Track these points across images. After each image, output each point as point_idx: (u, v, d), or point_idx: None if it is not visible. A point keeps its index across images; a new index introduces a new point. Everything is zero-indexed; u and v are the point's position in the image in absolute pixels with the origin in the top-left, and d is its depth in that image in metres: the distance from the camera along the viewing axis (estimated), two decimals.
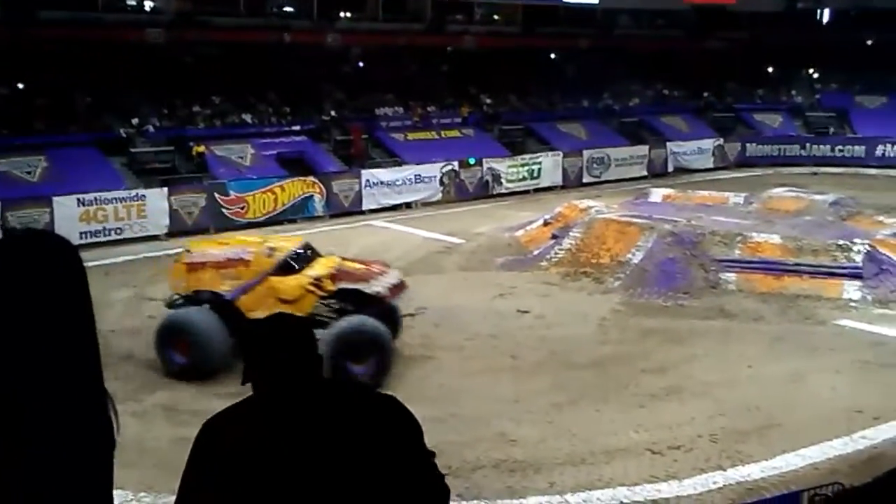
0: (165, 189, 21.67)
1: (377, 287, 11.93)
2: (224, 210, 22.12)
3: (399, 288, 12.36)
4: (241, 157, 24.58)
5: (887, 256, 16.04)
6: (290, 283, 11.77)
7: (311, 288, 11.76)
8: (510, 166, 27.84)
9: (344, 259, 12.75)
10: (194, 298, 11.98)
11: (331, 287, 11.84)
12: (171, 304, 12.31)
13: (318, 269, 12.08)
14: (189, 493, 2.54)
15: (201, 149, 23.86)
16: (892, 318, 14.45)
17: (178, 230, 21.19)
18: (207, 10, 27.45)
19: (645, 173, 30.92)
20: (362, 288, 11.84)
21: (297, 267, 12.02)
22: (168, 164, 23.73)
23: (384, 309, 11.94)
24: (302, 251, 12.45)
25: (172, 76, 25.99)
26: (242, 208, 22.38)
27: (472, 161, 26.90)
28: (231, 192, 22.37)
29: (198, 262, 12.10)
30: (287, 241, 13.44)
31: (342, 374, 10.71)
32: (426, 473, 2.70)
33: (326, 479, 2.47)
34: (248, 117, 26.65)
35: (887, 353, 12.65)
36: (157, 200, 21.29)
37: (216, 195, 22.13)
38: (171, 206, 21.40)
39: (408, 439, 2.65)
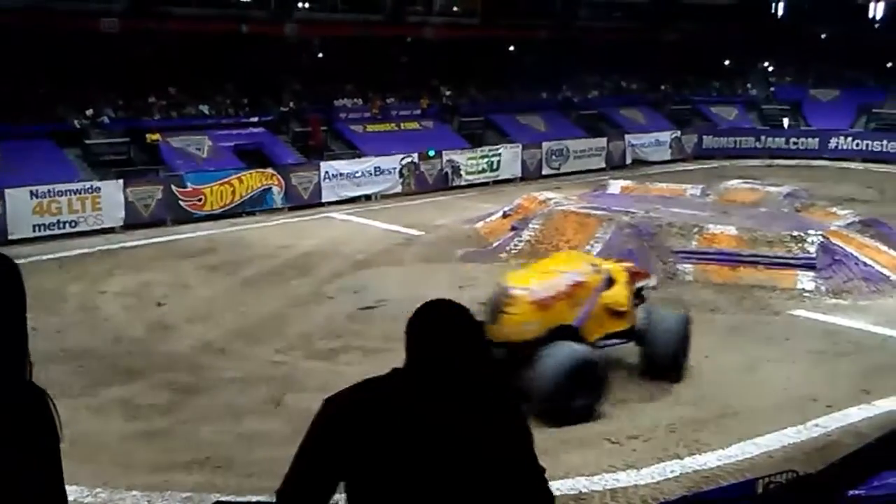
0: (121, 181, 21.37)
1: (651, 280, 12.13)
2: (181, 202, 21.88)
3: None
4: (199, 149, 24.33)
5: (840, 247, 16.33)
6: (620, 295, 10.90)
7: (633, 296, 11.23)
8: (470, 158, 27.87)
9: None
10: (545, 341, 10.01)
11: (633, 289, 11.34)
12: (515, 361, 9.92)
13: (622, 275, 11.24)
14: (309, 462, 2.68)
15: (156, 137, 23.57)
16: (845, 307, 14.71)
17: (134, 223, 20.95)
18: (163, 0, 27.08)
19: (603, 165, 31.12)
20: (645, 284, 11.77)
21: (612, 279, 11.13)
22: (124, 156, 23.41)
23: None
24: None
25: (128, 67, 25.60)
26: (200, 200, 22.16)
27: (431, 153, 26.88)
28: (188, 185, 22.14)
29: (548, 297, 10.34)
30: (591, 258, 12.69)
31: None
32: (539, 478, 2.88)
33: (450, 463, 2.57)
34: (205, 108, 26.37)
35: (840, 343, 12.88)
36: (112, 193, 20.99)
37: (173, 187, 21.88)
38: (126, 199, 21.11)
39: (527, 443, 2.80)
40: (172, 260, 18.00)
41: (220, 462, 8.85)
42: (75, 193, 20.48)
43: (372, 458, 2.57)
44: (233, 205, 22.66)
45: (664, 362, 11.08)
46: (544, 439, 9.49)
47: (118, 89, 25.31)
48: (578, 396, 9.77)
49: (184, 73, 26.74)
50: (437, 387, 2.65)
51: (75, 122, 23.53)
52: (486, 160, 28.24)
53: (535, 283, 10.65)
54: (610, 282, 11.14)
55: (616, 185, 23.12)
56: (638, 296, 11.52)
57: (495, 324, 10.03)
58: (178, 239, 20.09)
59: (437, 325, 2.77)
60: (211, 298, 15.18)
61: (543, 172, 29.46)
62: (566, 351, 9.76)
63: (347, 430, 2.63)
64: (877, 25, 39.13)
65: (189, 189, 22.09)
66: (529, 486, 2.79)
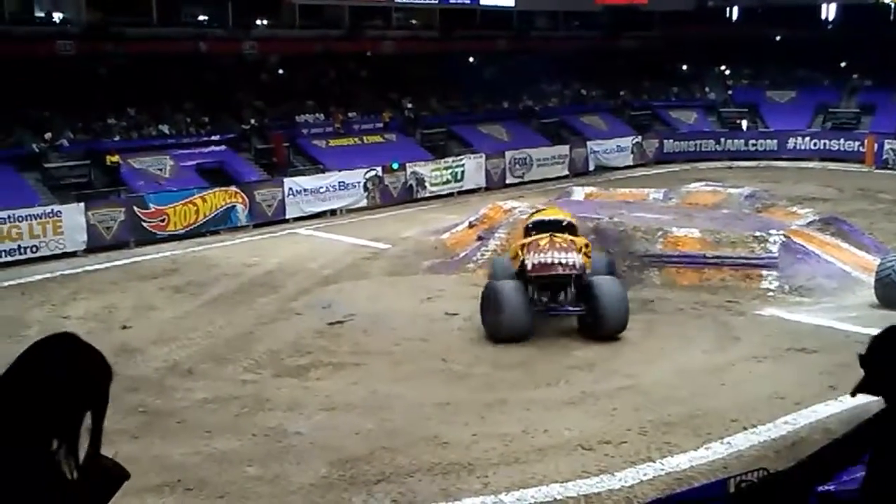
0: (82, 204, 21.10)
1: None
2: (144, 223, 21.67)
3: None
4: (160, 170, 24.11)
5: (801, 246, 16.54)
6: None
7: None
8: (433, 170, 27.90)
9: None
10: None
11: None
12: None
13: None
14: None
15: (116, 158, 23.33)
16: (809, 305, 14.89)
17: (96, 246, 20.70)
18: (119, 21, 26.85)
19: (566, 172, 31.28)
20: None
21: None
22: (84, 179, 23.12)
23: None
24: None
25: (86, 89, 25.36)
26: (163, 221, 21.97)
27: (395, 166, 26.87)
28: (151, 205, 21.93)
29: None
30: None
31: None
32: None
33: None
34: (165, 128, 26.16)
35: (805, 340, 13.02)
36: (73, 216, 20.72)
37: (135, 209, 21.66)
38: (88, 222, 20.85)
39: None
40: (136, 282, 17.82)
41: (191, 484, 8.76)
42: (36, 218, 20.18)
43: None
44: (196, 224, 22.48)
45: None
46: (517, 448, 9.53)
47: (76, 112, 25.04)
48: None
49: (143, 93, 26.51)
50: None
51: (34, 145, 23.22)
52: (449, 171, 28.28)
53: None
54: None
55: (580, 192, 23.24)
56: None
57: None
58: (141, 260, 19.89)
59: None
60: (177, 319, 15.04)
61: (507, 181, 29.56)
62: None
63: None
64: (829, 26, 39.79)
65: (152, 210, 21.89)
66: None
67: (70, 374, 2.25)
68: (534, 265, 13.07)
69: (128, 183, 23.23)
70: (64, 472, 2.23)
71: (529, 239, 13.70)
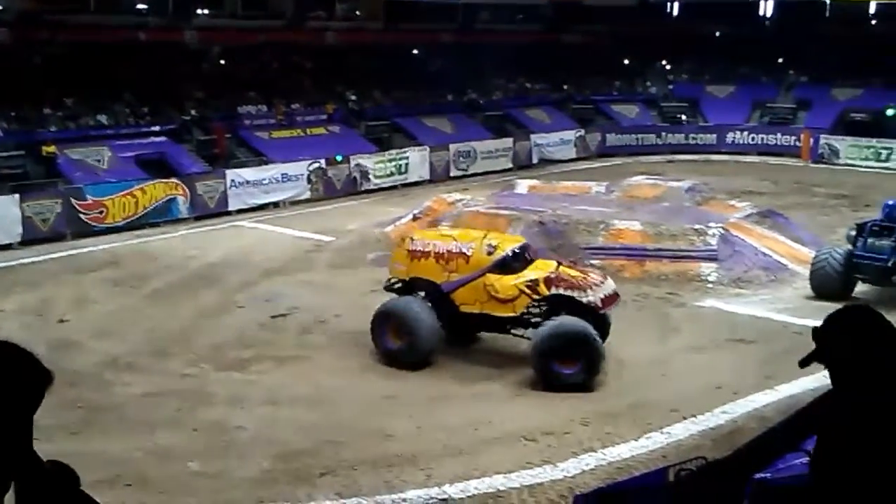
0: (17, 196, 20.59)
1: (591, 297, 11.65)
2: (81, 215, 21.24)
3: (613, 299, 12.00)
4: (98, 161, 23.61)
5: (740, 238, 16.87)
6: (506, 283, 11.79)
7: (526, 290, 11.74)
8: (377, 162, 27.80)
9: (560, 264, 12.50)
10: (411, 285, 12.61)
11: (545, 291, 11.72)
12: (389, 287, 12.94)
13: (536, 272, 11.97)
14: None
15: (51, 149, 22.79)
16: (747, 297, 15.20)
17: (32, 238, 20.21)
18: (55, 9, 26.23)
19: (510, 165, 31.40)
20: (576, 296, 11.62)
21: (515, 267, 12.00)
22: (19, 170, 22.53)
23: (596, 318, 11.63)
24: (520, 251, 12.33)
25: (20, 78, 24.73)
26: (101, 213, 21.56)
27: (339, 158, 26.72)
28: (88, 197, 21.50)
29: (420, 251, 12.49)
30: (507, 239, 13.06)
31: (549, 374, 11.07)
32: None
33: None
34: (103, 119, 25.64)
35: (743, 331, 13.30)
36: (8, 208, 20.21)
37: (73, 200, 21.22)
38: (23, 214, 20.35)
39: None
40: (74, 275, 17.47)
41: (131, 480, 8.65)
42: None
43: None
44: (136, 216, 22.09)
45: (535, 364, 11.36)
46: (460, 440, 9.57)
47: (11, 102, 24.39)
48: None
49: (80, 83, 25.93)
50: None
51: None
52: (393, 164, 28.22)
53: (423, 238, 12.84)
54: (506, 268, 11.90)
55: (523, 185, 23.37)
56: (562, 304, 11.55)
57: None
58: (79, 253, 19.50)
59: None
60: (116, 313, 14.80)
61: (451, 174, 29.57)
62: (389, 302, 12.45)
63: None
64: (767, 23, 40.55)
65: (89, 201, 21.46)
66: None
67: (10, 386, 2.19)
68: (603, 300, 11.77)
69: (65, 174, 22.72)
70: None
71: (552, 273, 11.93)
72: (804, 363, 2.67)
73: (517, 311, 11.79)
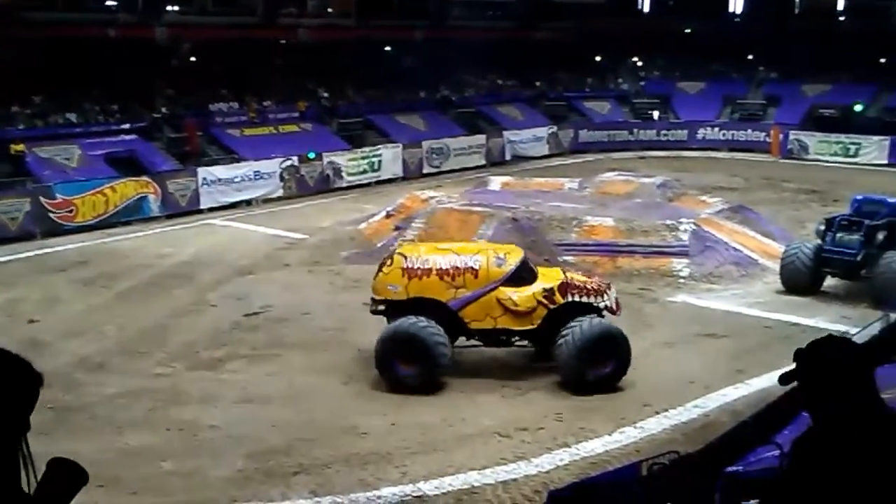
0: None
1: (607, 301, 11.58)
2: (51, 214, 21.02)
3: (618, 301, 11.95)
4: (68, 159, 23.37)
5: (711, 234, 17.00)
6: (522, 294, 11.26)
7: (543, 300, 11.27)
8: (350, 159, 27.74)
9: (565, 272, 12.20)
10: (410, 306, 11.30)
11: (560, 300, 11.30)
12: (375, 311, 11.72)
13: (548, 281, 11.53)
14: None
15: (20, 147, 22.54)
16: (718, 292, 15.31)
17: (0, 238, 19.98)
18: (23, 5, 25.91)
19: (483, 162, 31.44)
20: (593, 302, 11.45)
21: (525, 277, 11.47)
22: None
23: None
24: (527, 261, 11.89)
25: None
26: (71, 212, 21.34)
27: (312, 155, 26.63)
28: (57, 196, 21.28)
29: (419, 268, 11.41)
30: (511, 250, 12.15)
31: (582, 376, 10.81)
32: None
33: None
34: (72, 117, 25.38)
35: (714, 326, 13.40)
36: None
37: (41, 199, 20.99)
38: None
39: None
40: (44, 274, 17.28)
41: (102, 481, 8.54)
42: None
43: None
44: (106, 215, 21.89)
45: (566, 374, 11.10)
46: (435, 436, 9.58)
47: None
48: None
49: (49, 80, 25.65)
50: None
51: None
52: (366, 161, 28.16)
53: (419, 254, 11.75)
54: (520, 280, 11.42)
55: (496, 182, 23.42)
56: (578, 308, 11.34)
57: (374, 280, 11.79)
58: (49, 252, 19.29)
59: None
60: (87, 312, 14.66)
61: (424, 171, 29.57)
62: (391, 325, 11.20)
63: None
64: (737, 20, 40.89)
65: (59, 200, 21.24)
66: None
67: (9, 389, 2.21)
68: (617, 302, 11.88)
69: (33, 172, 22.47)
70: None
71: (563, 281, 11.63)
72: (784, 381, 2.68)
73: (535, 323, 11.28)
